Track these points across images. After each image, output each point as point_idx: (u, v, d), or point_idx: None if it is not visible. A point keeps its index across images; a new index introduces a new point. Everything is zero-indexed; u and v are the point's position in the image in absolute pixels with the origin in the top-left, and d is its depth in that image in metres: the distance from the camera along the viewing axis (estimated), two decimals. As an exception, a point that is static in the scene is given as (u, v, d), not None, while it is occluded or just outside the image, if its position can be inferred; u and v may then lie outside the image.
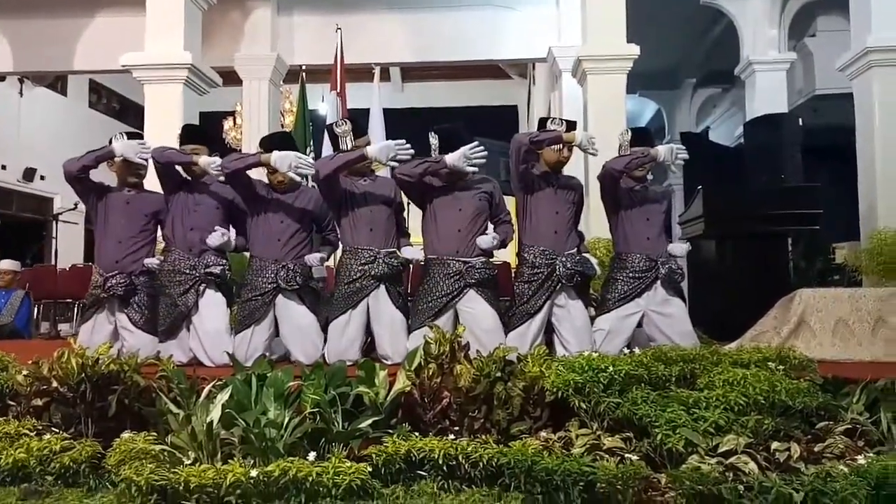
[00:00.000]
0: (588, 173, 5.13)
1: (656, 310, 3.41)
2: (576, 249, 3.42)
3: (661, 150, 3.41)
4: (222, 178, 3.44)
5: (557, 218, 3.40)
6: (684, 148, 3.45)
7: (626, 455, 2.17)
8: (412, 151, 3.26)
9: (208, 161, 3.35)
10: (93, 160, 3.33)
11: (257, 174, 3.46)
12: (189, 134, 3.56)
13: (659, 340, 3.34)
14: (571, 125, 3.47)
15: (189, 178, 3.52)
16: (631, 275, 3.42)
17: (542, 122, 3.55)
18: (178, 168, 3.47)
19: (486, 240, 3.30)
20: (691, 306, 5.54)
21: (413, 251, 3.41)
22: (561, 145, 3.39)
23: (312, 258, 3.39)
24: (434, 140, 3.37)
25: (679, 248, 3.54)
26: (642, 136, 3.60)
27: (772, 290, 3.85)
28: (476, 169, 3.26)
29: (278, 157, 3.23)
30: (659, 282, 3.41)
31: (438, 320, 3.16)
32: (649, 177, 3.63)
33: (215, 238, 3.38)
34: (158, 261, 3.43)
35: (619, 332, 3.38)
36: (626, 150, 3.56)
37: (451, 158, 3.20)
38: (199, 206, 3.46)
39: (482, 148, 3.22)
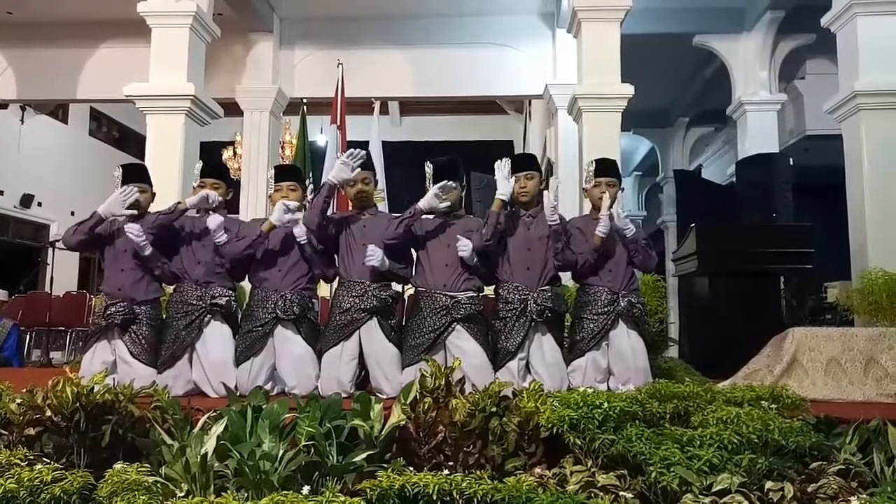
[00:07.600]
0: (581, 201, 5.19)
1: (617, 342, 3.37)
2: (549, 286, 3.40)
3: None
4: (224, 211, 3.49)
5: (530, 254, 3.39)
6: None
7: (621, 493, 2.16)
8: (364, 154, 3.36)
9: (215, 224, 3.35)
10: (86, 231, 3.31)
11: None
12: (207, 170, 3.57)
13: (615, 372, 3.36)
14: (528, 160, 3.55)
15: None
16: (594, 310, 3.38)
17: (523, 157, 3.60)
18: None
19: (463, 244, 3.27)
20: (683, 342, 5.60)
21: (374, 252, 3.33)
22: (514, 179, 3.39)
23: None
24: (429, 170, 3.45)
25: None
26: (607, 167, 3.58)
27: (764, 328, 3.88)
28: (448, 203, 3.35)
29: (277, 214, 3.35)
30: (620, 316, 3.36)
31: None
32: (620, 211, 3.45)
33: (218, 232, 3.35)
34: (137, 229, 3.26)
35: (595, 366, 3.36)
36: (590, 181, 3.56)
37: (423, 203, 3.33)
38: (209, 240, 3.45)
39: (453, 185, 3.37)
